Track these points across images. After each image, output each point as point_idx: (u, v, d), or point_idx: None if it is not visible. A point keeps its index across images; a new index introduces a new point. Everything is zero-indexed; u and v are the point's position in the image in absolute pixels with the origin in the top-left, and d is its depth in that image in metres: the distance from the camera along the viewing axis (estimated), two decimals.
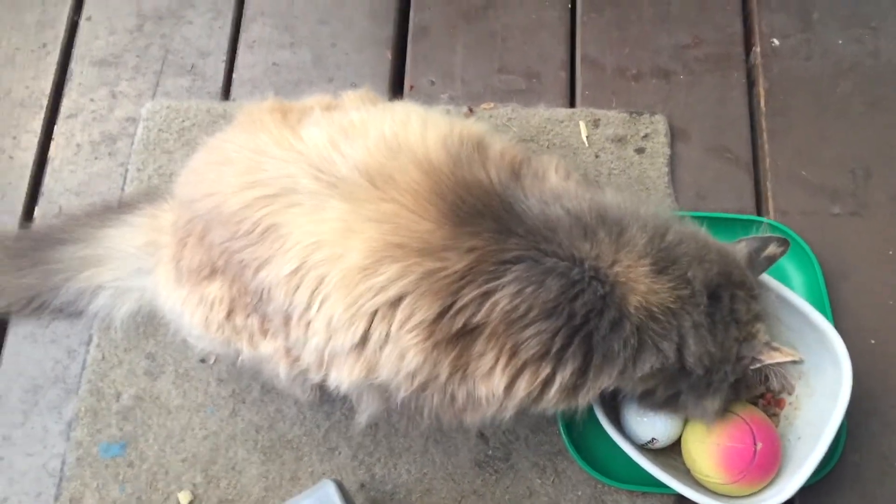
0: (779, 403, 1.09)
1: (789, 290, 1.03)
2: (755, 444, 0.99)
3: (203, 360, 1.18)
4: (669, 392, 0.94)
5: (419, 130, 0.90)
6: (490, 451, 1.13)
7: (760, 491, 1.01)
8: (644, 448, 1.05)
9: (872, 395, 1.13)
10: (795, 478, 0.97)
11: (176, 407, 1.16)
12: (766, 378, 0.94)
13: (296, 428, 1.14)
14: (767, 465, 1.00)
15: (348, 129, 0.90)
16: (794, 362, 0.91)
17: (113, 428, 1.15)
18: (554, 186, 0.92)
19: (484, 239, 0.82)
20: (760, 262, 0.96)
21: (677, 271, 0.86)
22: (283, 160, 0.87)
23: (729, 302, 0.89)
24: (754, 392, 1.08)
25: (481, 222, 0.83)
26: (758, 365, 0.92)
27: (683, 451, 1.06)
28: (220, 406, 1.16)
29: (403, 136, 0.89)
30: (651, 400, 0.97)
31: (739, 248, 0.96)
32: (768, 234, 0.98)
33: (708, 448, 1.01)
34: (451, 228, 0.82)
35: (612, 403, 1.07)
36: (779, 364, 0.91)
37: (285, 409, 1.15)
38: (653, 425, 1.04)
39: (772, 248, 0.97)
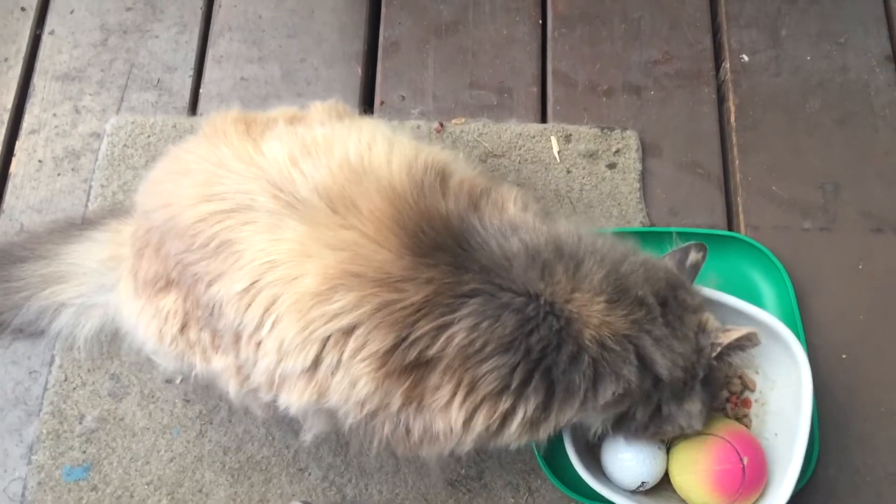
0: (745, 403, 1.10)
1: (720, 292, 1.05)
2: (741, 459, 0.98)
3: (169, 381, 1.16)
4: (649, 409, 0.93)
5: (385, 154, 0.89)
6: (463, 470, 1.11)
7: (757, 501, 1.01)
8: (636, 493, 1.04)
9: (844, 410, 1.14)
10: (786, 480, 0.98)
11: (141, 429, 1.14)
12: (729, 360, 0.95)
13: (265, 449, 1.12)
14: (758, 475, 1.00)
15: (311, 147, 0.88)
16: (749, 336, 0.92)
17: (76, 451, 1.12)
18: (511, 218, 0.92)
19: (441, 271, 0.81)
20: (687, 270, 0.97)
21: (629, 297, 0.85)
22: (242, 175, 0.86)
23: (675, 301, 0.90)
24: (722, 387, 1.09)
25: (439, 255, 0.82)
26: (718, 349, 0.91)
27: (674, 485, 1.04)
28: (186, 427, 1.14)
29: (368, 159, 0.88)
30: (633, 425, 0.95)
31: (666, 261, 0.98)
32: (687, 244, 0.99)
33: (697, 477, 1.00)
34: (411, 259, 0.81)
35: (594, 458, 1.07)
36: (737, 341, 0.91)
37: (254, 430, 1.13)
38: (638, 468, 1.02)
39: (693, 255, 0.98)
